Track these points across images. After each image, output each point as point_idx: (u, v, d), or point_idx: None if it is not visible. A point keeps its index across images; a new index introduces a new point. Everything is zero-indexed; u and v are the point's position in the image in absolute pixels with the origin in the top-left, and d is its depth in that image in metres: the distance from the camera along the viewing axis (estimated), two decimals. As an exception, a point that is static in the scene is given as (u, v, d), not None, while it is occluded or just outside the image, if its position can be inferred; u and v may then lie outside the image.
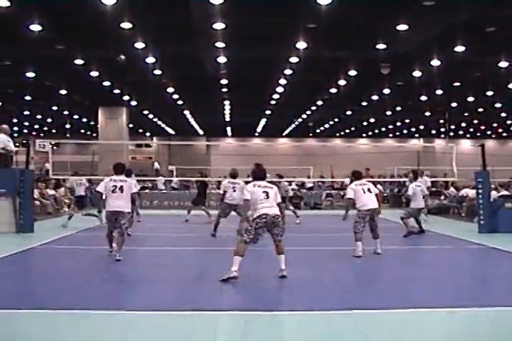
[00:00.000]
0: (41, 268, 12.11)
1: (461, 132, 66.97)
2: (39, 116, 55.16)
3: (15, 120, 54.99)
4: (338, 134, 71.02)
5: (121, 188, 12.57)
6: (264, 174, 11.47)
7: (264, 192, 10.80)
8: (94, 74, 32.37)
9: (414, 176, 19.62)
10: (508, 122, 60.29)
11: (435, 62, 28.62)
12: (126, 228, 12.75)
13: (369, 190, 13.82)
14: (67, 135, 63.23)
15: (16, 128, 58.62)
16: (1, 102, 44.13)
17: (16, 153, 19.54)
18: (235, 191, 16.64)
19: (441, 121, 56.20)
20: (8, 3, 19.88)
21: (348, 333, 7.16)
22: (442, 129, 62.12)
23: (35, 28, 22.80)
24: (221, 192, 17.45)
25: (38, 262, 12.88)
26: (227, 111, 51.65)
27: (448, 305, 8.30)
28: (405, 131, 66.83)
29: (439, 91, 38.44)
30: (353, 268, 12.26)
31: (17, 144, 20.79)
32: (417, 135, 70.20)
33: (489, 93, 39.76)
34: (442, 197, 30.78)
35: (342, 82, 34.68)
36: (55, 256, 13.44)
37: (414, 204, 18.43)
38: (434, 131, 65.56)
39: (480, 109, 48.55)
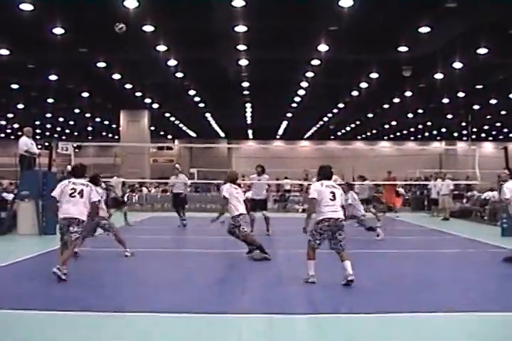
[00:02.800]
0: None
1: (483, 135, 66.50)
2: (61, 119, 55.56)
3: (38, 122, 55.34)
4: (359, 137, 70.77)
5: (80, 193, 10.95)
6: (332, 173, 10.82)
7: (331, 192, 10.30)
8: (116, 76, 32.58)
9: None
10: (532, 125, 59.85)
11: (457, 65, 28.47)
12: (76, 238, 10.89)
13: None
14: (89, 137, 63.58)
15: (38, 131, 58.99)
16: (25, 105, 44.48)
17: (39, 155, 19.64)
18: None
19: (464, 123, 55.83)
20: (31, 7, 20.05)
21: (373, 336, 7.15)
22: (464, 132, 61.80)
23: (58, 31, 23.00)
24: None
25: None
26: (248, 114, 51.70)
27: (472, 309, 8.27)
28: (427, 134, 66.41)
29: (461, 94, 38.21)
30: (376, 271, 12.22)
31: (39, 147, 20.85)
32: (439, 138, 69.74)
33: (512, 95, 39.49)
34: (465, 200, 30.63)
35: (363, 85, 34.62)
36: (77, 258, 13.48)
37: None
38: (456, 134, 65.17)
39: (503, 112, 48.20)
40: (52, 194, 11.15)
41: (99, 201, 11.73)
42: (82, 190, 10.92)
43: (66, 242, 10.93)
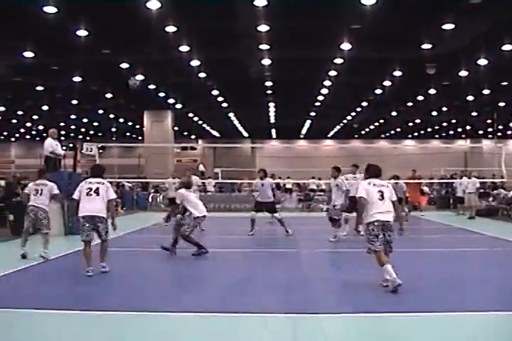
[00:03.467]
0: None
1: (509, 132, 65.84)
2: (86, 120, 55.88)
3: (62, 124, 55.70)
4: (383, 135, 70.48)
5: (96, 191, 11.35)
6: (381, 171, 10.46)
7: (379, 191, 9.94)
8: (140, 77, 32.69)
9: None
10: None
11: (482, 62, 28.22)
12: (106, 232, 11.48)
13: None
14: (113, 138, 63.90)
15: (63, 132, 59.39)
16: (49, 106, 44.81)
17: (64, 156, 19.80)
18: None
19: (489, 121, 55.39)
20: (55, 10, 20.20)
21: (400, 336, 7.13)
22: (490, 129, 61.27)
23: (82, 33, 23.17)
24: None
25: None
26: (271, 113, 51.67)
27: (499, 309, 8.20)
28: (452, 132, 65.95)
29: (486, 91, 37.89)
30: (402, 270, 12.15)
31: (64, 148, 21.00)
32: (463, 135, 69.21)
33: (538, 92, 39.12)
34: (491, 199, 30.40)
35: (387, 83, 34.47)
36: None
37: None
38: (481, 132, 64.63)
39: (529, 109, 47.80)
40: (73, 196, 11.63)
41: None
42: (97, 188, 11.31)
43: (88, 240, 11.38)
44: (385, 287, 9.53)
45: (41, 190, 13.53)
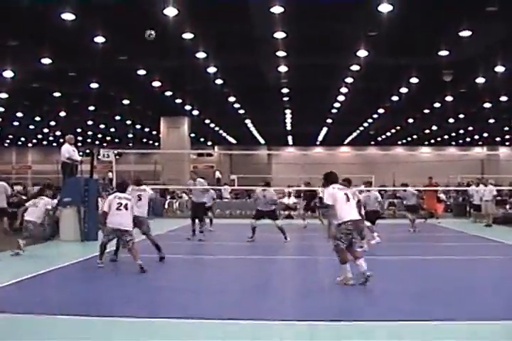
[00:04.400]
0: (104, 276, 12.27)
1: (527, 139, 65.67)
2: (102, 126, 56.09)
3: (79, 130, 55.96)
4: (399, 142, 70.25)
5: (125, 206, 12.82)
6: (337, 177, 11.35)
7: (345, 194, 10.75)
8: (157, 84, 32.82)
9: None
10: None
11: (499, 68, 28.10)
12: (133, 243, 12.67)
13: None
14: (130, 144, 64.12)
15: (80, 138, 59.62)
16: (66, 112, 45.03)
17: (81, 162, 19.89)
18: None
19: (506, 128, 55.17)
20: (73, 17, 20.33)
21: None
22: (507, 137, 61.03)
23: (99, 39, 23.28)
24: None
25: (102, 270, 13.06)
26: (288, 120, 51.68)
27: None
28: (468, 139, 65.71)
29: (503, 98, 37.70)
30: (419, 278, 12.12)
31: (81, 154, 21.12)
32: (480, 143, 68.91)
33: (556, 99, 38.88)
34: (508, 206, 30.24)
35: (404, 90, 34.39)
36: (117, 265, 13.60)
37: None
38: (498, 139, 64.37)
39: (546, 116, 47.53)
40: (103, 209, 13.10)
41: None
42: (126, 204, 12.79)
43: (104, 244, 13.05)
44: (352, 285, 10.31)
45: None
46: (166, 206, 36.06)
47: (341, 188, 11.02)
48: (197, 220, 19.31)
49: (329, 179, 11.21)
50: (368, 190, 19.33)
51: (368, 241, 16.24)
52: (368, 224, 16.80)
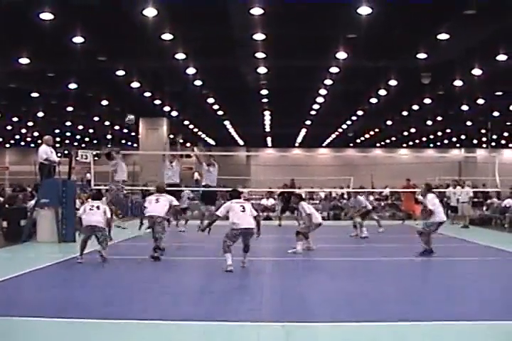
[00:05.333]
0: (83, 277, 12.22)
1: (503, 142, 66.02)
2: (81, 127, 55.77)
3: (57, 131, 55.63)
4: (378, 144, 70.67)
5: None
6: (239, 194, 14.00)
7: (241, 206, 12.90)
8: (135, 85, 32.65)
9: (428, 188, 17.00)
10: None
11: (476, 72, 28.28)
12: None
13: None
14: (109, 145, 63.82)
15: (58, 139, 59.22)
16: (44, 113, 44.75)
17: (59, 163, 19.78)
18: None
19: (483, 130, 55.56)
20: (51, 16, 20.19)
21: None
22: (484, 139, 61.44)
23: (78, 40, 23.11)
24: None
25: (80, 271, 12.99)
26: (267, 122, 51.74)
27: (491, 318, 8.21)
28: (446, 141, 66.05)
29: (480, 101, 37.96)
30: (395, 279, 12.18)
31: (59, 155, 20.99)
32: (458, 145, 69.41)
33: (533, 102, 39.20)
34: (484, 208, 30.43)
35: (382, 92, 34.51)
36: (96, 266, 13.55)
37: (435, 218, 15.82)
38: (475, 141, 64.80)
39: (523, 119, 47.97)
40: (78, 215, 14.55)
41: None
42: (98, 206, 14.18)
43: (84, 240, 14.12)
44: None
45: None
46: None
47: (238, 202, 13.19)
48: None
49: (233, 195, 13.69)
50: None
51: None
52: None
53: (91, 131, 58.08)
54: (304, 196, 30.29)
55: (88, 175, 30.08)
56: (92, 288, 10.68)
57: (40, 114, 45.12)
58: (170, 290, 10.61)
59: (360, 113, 43.67)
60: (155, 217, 14.20)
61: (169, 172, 20.51)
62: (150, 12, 19.81)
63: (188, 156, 70.67)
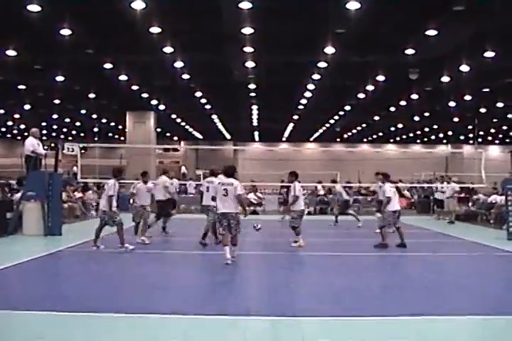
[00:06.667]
0: (69, 271, 12.20)
1: (489, 138, 66.33)
2: (68, 120, 55.54)
3: (44, 123, 55.41)
4: (365, 140, 70.79)
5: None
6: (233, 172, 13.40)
7: (224, 189, 12.82)
8: (123, 78, 32.54)
9: (386, 178, 17.48)
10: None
11: (464, 68, 28.33)
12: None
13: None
14: (96, 139, 63.64)
15: (44, 132, 58.96)
16: (31, 106, 44.52)
17: (45, 156, 19.71)
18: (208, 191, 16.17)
19: (470, 126, 55.71)
20: (39, 8, 20.07)
21: (378, 338, 7.15)
22: (471, 135, 61.63)
23: (66, 32, 22.98)
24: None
25: (66, 265, 12.98)
26: (254, 116, 51.67)
27: (477, 313, 8.27)
28: (433, 137, 66.25)
29: (467, 97, 38.05)
30: (381, 274, 12.22)
31: (46, 147, 20.91)
32: (445, 141, 69.63)
33: (519, 99, 39.30)
34: (470, 204, 30.57)
35: (370, 88, 34.53)
36: (82, 259, 13.54)
37: (389, 207, 16.53)
38: (462, 137, 65.02)
39: (509, 115, 47.99)
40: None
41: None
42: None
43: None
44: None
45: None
46: (131, 201, 35.75)
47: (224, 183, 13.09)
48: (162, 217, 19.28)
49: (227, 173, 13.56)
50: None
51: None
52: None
53: (78, 124, 57.84)
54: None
55: (75, 168, 30.03)
56: (79, 282, 10.65)
57: (27, 107, 44.85)
58: (159, 284, 10.59)
59: (347, 108, 43.64)
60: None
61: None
62: (138, 5, 19.75)
63: (175, 150, 71.10)
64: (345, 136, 65.96)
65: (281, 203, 28.65)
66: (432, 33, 22.65)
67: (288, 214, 16.85)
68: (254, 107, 46.11)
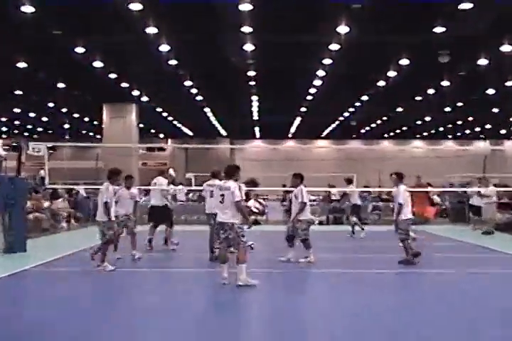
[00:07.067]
0: (35, 294, 12.11)
1: (537, 132, 66.39)
2: (32, 115, 55.50)
3: (4, 119, 55.43)
4: (386, 135, 70.80)
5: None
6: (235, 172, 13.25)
7: (221, 195, 12.87)
8: (98, 64, 32.48)
9: (400, 178, 16.93)
10: None
11: (506, 48, 28.24)
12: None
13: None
14: (66, 137, 63.65)
15: (4, 129, 59.04)
16: (-12, 98, 44.58)
17: (5, 158, 19.64)
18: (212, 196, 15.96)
19: (513, 119, 55.75)
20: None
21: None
22: (514, 128, 61.65)
23: (27, 9, 22.86)
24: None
25: (31, 288, 12.89)
26: (255, 109, 51.65)
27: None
28: (468, 132, 66.28)
29: (510, 83, 38.03)
30: (404, 295, 12.12)
31: (6, 147, 20.85)
32: (482, 136, 69.58)
33: None
34: (513, 211, 30.45)
35: (392, 73, 34.52)
36: (51, 281, 13.45)
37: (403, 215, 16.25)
38: (504, 131, 64.98)
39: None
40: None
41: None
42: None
43: None
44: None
45: None
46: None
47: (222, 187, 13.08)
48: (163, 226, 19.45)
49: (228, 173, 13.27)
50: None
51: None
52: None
53: (44, 119, 57.76)
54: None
55: (42, 171, 29.97)
56: (43, 309, 10.54)
57: (-17, 100, 44.95)
58: (135, 309, 10.51)
59: (365, 98, 43.67)
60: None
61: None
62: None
63: (162, 149, 71.13)
64: (363, 131, 65.98)
65: (288, 211, 28.58)
66: (466, 6, 22.54)
67: (295, 224, 16.70)
68: (255, 98, 46.10)
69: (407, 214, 16.19)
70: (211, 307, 10.97)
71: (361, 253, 19.69)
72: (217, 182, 15.90)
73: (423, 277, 14.66)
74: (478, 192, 27.71)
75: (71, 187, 34.54)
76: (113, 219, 14.76)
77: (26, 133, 65.49)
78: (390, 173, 18.02)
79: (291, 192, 19.78)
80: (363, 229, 24.05)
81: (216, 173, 17.01)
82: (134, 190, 18.27)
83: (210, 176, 17.55)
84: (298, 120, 58.35)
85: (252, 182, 17.33)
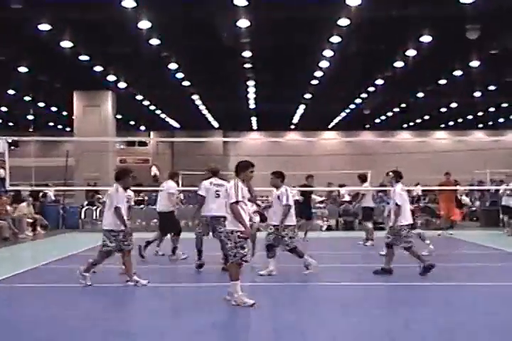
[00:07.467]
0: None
1: None
2: (-10, 104, 55.64)
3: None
4: (405, 125, 70.78)
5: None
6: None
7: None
8: (67, 44, 32.36)
9: (397, 175, 17.15)
10: None
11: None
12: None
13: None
14: (30, 130, 63.62)
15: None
16: None
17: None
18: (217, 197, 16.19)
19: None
20: None
21: None
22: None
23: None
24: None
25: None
26: (251, 96, 51.63)
27: None
28: (502, 120, 66.31)
29: (549, 63, 38.08)
30: (428, 312, 12.07)
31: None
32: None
33: None
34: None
35: (411, 52, 34.44)
36: (15, 299, 13.41)
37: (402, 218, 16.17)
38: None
39: None
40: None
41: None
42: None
43: None
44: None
45: None
46: (83, 215, 35.64)
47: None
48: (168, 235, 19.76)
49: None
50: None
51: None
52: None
53: (4, 109, 57.72)
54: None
55: (1, 170, 29.92)
56: (6, 333, 10.52)
57: None
58: (115, 331, 10.48)
59: (380, 82, 43.61)
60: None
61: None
62: None
63: (143, 144, 71.20)
64: (378, 121, 66.00)
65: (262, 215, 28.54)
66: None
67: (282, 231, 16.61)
68: (251, 83, 46.03)
69: (406, 218, 16.09)
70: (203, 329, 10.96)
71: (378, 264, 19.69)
72: (220, 181, 16.36)
73: (464, 291, 14.61)
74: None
75: (37, 189, 34.49)
76: (128, 227, 14.62)
77: (-17, 126, 65.57)
78: (386, 172, 18.04)
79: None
80: (372, 239, 23.80)
81: (216, 171, 17.08)
82: (131, 192, 18.39)
83: (211, 174, 17.52)
84: (301, 108, 58.38)
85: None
